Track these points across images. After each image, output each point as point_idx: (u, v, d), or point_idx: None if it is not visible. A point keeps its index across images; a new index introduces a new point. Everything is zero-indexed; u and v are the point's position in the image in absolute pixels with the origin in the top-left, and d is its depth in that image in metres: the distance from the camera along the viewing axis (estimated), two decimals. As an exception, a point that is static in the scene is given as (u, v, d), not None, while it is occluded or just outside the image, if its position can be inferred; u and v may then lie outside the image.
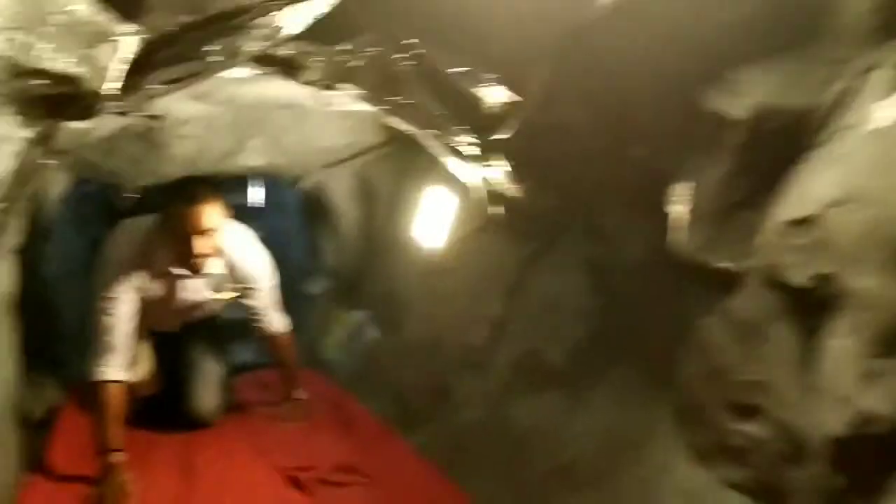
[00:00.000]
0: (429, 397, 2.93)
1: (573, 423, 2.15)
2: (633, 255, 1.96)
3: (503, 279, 2.60)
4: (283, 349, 3.05)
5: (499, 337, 2.56)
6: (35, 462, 2.68)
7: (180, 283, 2.76)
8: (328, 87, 2.34)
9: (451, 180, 3.00)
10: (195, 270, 2.61)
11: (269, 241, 3.01)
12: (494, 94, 1.69)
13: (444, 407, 2.78)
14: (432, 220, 3.16)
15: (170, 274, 2.69)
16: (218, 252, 2.65)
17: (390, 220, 3.77)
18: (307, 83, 2.30)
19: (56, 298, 4.04)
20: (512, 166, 2.05)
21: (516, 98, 1.67)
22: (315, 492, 2.37)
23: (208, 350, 3.16)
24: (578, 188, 2.01)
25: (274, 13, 1.45)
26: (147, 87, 1.68)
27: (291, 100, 3.22)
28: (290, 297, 5.07)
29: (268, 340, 3.04)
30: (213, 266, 2.72)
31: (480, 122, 1.84)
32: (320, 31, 1.77)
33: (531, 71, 1.52)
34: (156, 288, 2.70)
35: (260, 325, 2.98)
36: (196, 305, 2.94)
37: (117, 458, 2.39)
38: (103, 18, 1.21)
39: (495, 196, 2.37)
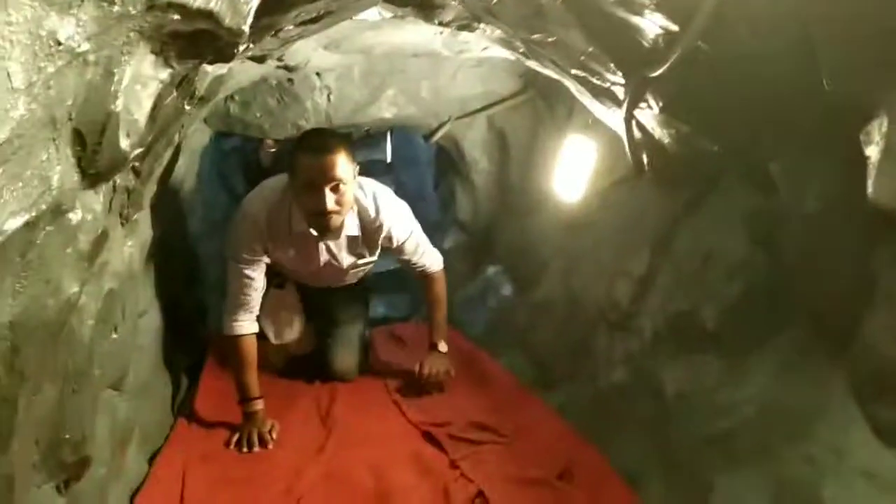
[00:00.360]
0: (567, 357, 2.80)
1: (729, 390, 1.96)
2: (804, 204, 1.74)
3: (650, 232, 2.42)
4: (433, 290, 2.95)
5: (645, 295, 2.39)
6: (183, 407, 2.79)
7: (318, 246, 2.67)
8: (465, 28, 2.22)
9: (593, 127, 2.82)
10: (328, 228, 2.47)
11: (399, 195, 2.94)
12: (652, 24, 1.50)
13: (584, 367, 2.65)
14: (572, 171, 2.99)
15: (306, 236, 2.59)
16: (351, 207, 2.53)
17: (526, 172, 3.63)
18: (442, 24, 2.18)
19: (199, 250, 4.20)
20: (665, 107, 1.86)
21: (676, 28, 1.48)
22: (449, 447, 2.32)
23: (352, 308, 3.17)
24: (742, 130, 1.80)
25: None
26: (282, 27, 1.62)
27: (425, 48, 3.13)
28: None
29: (424, 282, 2.96)
30: (349, 225, 2.62)
31: (634, 57, 1.66)
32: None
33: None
34: (291, 250, 2.66)
35: (417, 269, 2.90)
36: (339, 270, 2.83)
37: (256, 405, 2.51)
38: (238, -53, 1.13)
39: (644, 142, 2.18)
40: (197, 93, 1.62)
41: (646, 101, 1.87)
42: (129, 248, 1.96)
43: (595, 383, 2.52)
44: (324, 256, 2.73)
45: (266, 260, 2.61)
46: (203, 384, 2.97)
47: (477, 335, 3.53)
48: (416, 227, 2.79)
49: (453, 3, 1.95)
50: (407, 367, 3.00)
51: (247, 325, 2.57)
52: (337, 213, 2.39)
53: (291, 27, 1.63)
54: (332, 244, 2.69)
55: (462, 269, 4.04)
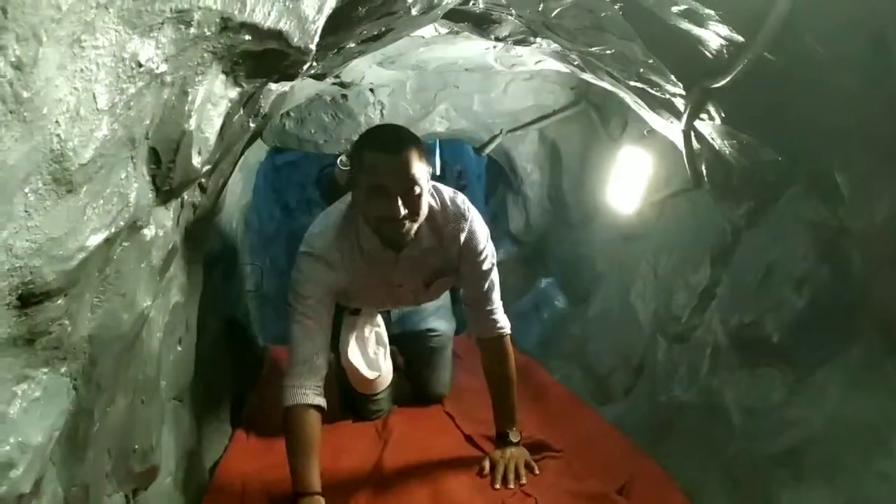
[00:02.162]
0: (624, 371, 2.77)
1: (797, 404, 1.91)
2: (874, 214, 1.69)
3: (710, 244, 2.38)
4: (500, 363, 2.34)
5: (705, 307, 2.35)
6: (241, 418, 2.83)
7: (393, 263, 2.21)
8: (520, 43, 2.23)
9: (648, 138, 2.79)
10: (402, 238, 2.03)
11: None
12: (716, 35, 1.49)
13: (642, 381, 2.61)
14: (626, 182, 2.97)
15: (378, 253, 2.16)
16: (424, 218, 2.07)
17: (579, 183, 3.61)
18: (498, 39, 2.19)
19: (256, 262, 4.28)
20: (727, 118, 1.83)
21: (741, 39, 1.46)
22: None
23: (440, 322, 2.97)
24: (808, 139, 1.76)
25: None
26: (344, 45, 1.65)
27: (477, 62, 3.15)
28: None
29: (480, 347, 2.36)
30: (425, 235, 2.16)
31: (696, 68, 1.64)
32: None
33: (766, 3, 1.31)
34: (363, 274, 2.20)
35: (473, 322, 2.35)
36: (418, 289, 2.38)
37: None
38: (307, -32, 1.16)
39: (703, 153, 2.15)
40: (261, 110, 1.66)
41: (707, 111, 1.84)
42: (194, 261, 2.00)
43: (654, 398, 2.48)
44: (400, 274, 2.28)
45: (331, 302, 2.16)
46: (260, 395, 3.02)
47: (530, 348, 3.52)
48: (492, 251, 2.31)
49: (510, 17, 1.95)
50: (461, 380, 3.01)
51: (312, 394, 2.02)
52: (411, 219, 1.96)
53: (353, 45, 1.66)
54: (407, 259, 2.21)
55: (515, 281, 4.04)
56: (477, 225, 2.22)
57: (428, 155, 2.01)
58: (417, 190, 1.92)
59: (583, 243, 3.48)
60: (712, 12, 1.38)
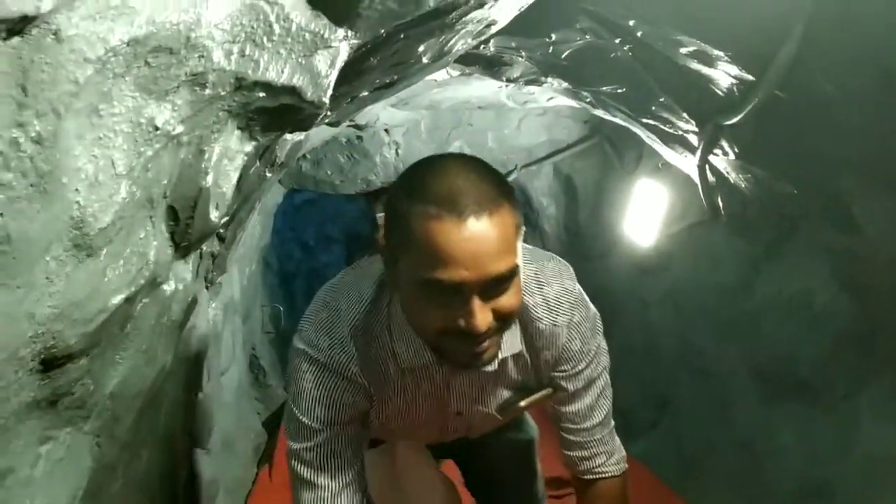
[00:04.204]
0: (646, 405, 2.74)
1: (823, 438, 1.89)
2: (892, 244, 1.68)
3: (730, 276, 2.37)
4: None
5: (727, 340, 2.33)
6: (264, 459, 2.84)
7: (448, 384, 1.35)
8: (532, 83, 2.25)
9: (663, 171, 2.80)
10: (478, 362, 1.14)
11: None
12: (726, 75, 1.49)
13: (664, 415, 2.59)
14: (642, 215, 2.96)
15: (423, 371, 1.32)
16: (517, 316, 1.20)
17: (595, 216, 3.61)
18: (510, 80, 2.21)
19: (274, 302, 4.31)
20: (741, 153, 1.83)
21: (751, 77, 1.47)
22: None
23: (515, 465, 1.92)
24: (823, 171, 1.76)
25: (488, 5, 1.36)
26: (357, 94, 1.67)
27: (490, 101, 3.18)
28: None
29: (577, 489, 1.53)
30: (507, 344, 1.28)
31: (708, 106, 1.65)
32: (526, 24, 1.67)
33: (774, 43, 1.32)
34: (396, 398, 1.35)
35: (569, 451, 1.47)
36: (483, 416, 1.44)
37: None
38: (319, 25, 1.18)
39: (719, 186, 2.14)
40: (277, 160, 1.68)
41: (720, 147, 1.84)
42: (213, 310, 2.02)
43: (679, 433, 2.46)
44: (459, 399, 1.40)
45: (353, 432, 1.32)
46: (282, 436, 3.02)
47: (551, 383, 3.49)
48: (604, 347, 1.42)
49: (520, 59, 1.97)
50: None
51: None
52: (496, 331, 1.10)
53: (366, 93, 1.68)
54: (473, 375, 1.35)
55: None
56: (587, 312, 1.36)
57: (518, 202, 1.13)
58: (508, 284, 1.07)
59: (601, 276, 3.46)
60: (721, 53, 1.38)
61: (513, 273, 1.07)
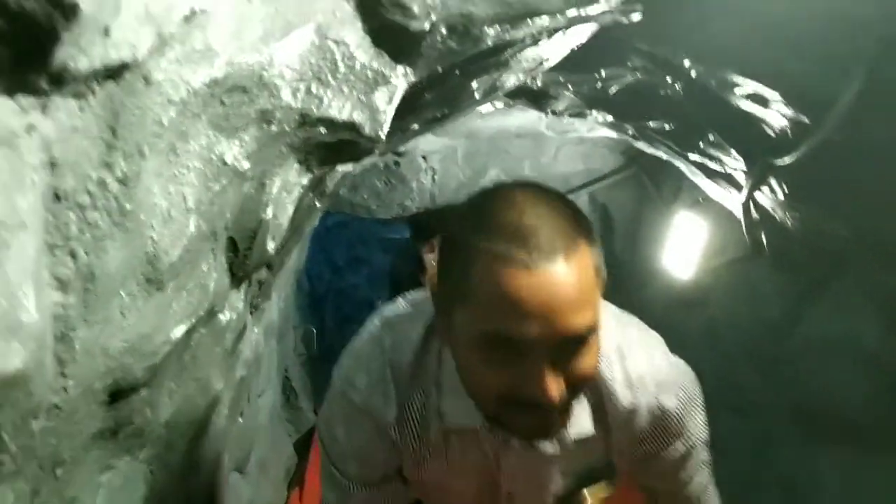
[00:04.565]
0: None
1: (870, 484, 1.85)
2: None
3: (772, 313, 2.34)
4: None
5: (769, 379, 2.30)
6: (295, 481, 2.84)
7: (491, 464, 1.16)
8: (576, 116, 2.25)
9: (704, 204, 2.78)
10: (544, 433, 0.97)
11: None
12: (780, 116, 1.49)
13: (704, 454, 2.55)
14: (681, 248, 2.94)
15: (469, 439, 1.13)
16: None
17: (631, 247, 3.60)
18: (554, 113, 2.22)
19: (305, 324, 4.33)
20: (790, 193, 1.82)
21: (807, 120, 1.46)
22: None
23: None
24: (875, 214, 1.74)
25: (541, 44, 1.37)
26: (408, 127, 1.69)
27: (528, 128, 3.19)
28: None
29: None
30: (578, 416, 1.09)
31: (759, 145, 1.64)
32: (576, 60, 1.68)
33: (833, 87, 1.31)
34: (438, 462, 1.15)
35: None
36: (540, 496, 1.24)
37: None
38: (381, 63, 1.20)
39: (763, 223, 2.13)
40: (327, 190, 1.70)
41: (769, 185, 1.83)
42: (256, 335, 2.04)
43: (718, 473, 2.41)
44: (513, 477, 1.18)
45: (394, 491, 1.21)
46: (314, 458, 3.02)
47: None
48: (701, 435, 1.20)
49: (567, 93, 1.98)
50: None
51: None
52: (568, 397, 0.91)
53: (416, 126, 1.70)
54: (531, 453, 1.14)
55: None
56: (682, 394, 1.14)
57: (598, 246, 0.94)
58: (585, 344, 0.89)
59: (637, 307, 3.42)
60: (777, 95, 1.38)
61: (592, 331, 0.88)
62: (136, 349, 0.93)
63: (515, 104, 2.23)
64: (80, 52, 0.58)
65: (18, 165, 0.59)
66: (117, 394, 0.95)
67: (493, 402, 0.91)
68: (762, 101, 1.46)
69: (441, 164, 3.62)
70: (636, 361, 1.11)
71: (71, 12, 0.51)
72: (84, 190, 0.72)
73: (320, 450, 1.20)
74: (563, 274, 0.83)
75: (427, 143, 3.27)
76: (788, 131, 1.51)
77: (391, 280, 3.63)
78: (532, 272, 0.83)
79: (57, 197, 0.69)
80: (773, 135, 1.57)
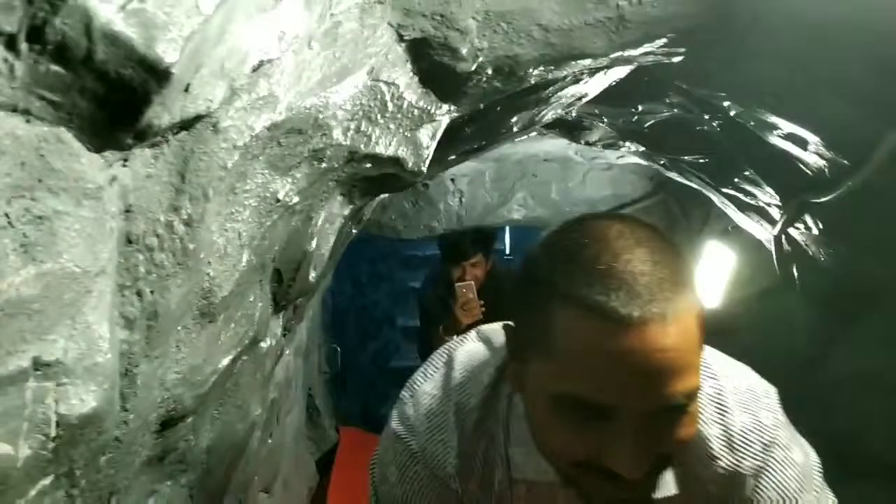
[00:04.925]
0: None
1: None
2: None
3: (802, 346, 2.33)
4: None
5: (797, 413, 2.28)
6: (316, 500, 2.86)
7: None
8: (609, 147, 2.27)
9: (733, 234, 2.78)
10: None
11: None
12: (819, 157, 1.50)
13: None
14: (708, 277, 2.94)
15: (542, 490, 0.96)
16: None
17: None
18: (588, 143, 2.24)
19: (328, 341, 4.35)
20: (825, 229, 1.82)
21: (846, 162, 1.47)
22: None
23: None
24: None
25: (584, 80, 1.39)
26: (446, 158, 1.71)
27: (556, 153, 3.21)
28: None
29: None
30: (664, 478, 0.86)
31: (796, 182, 1.65)
32: (613, 95, 1.70)
33: (875, 131, 1.32)
34: None
35: None
36: None
37: None
38: (427, 102, 1.22)
39: (795, 256, 2.13)
40: (364, 218, 1.73)
41: (803, 221, 1.84)
42: (288, 356, 2.06)
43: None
44: None
45: None
46: (335, 476, 3.03)
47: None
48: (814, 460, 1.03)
49: (601, 125, 2.00)
50: None
51: None
52: (658, 469, 0.78)
53: (454, 157, 1.73)
54: None
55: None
56: (794, 459, 0.97)
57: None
58: (682, 414, 0.75)
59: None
60: (817, 139, 1.39)
61: (692, 397, 0.73)
62: (187, 380, 0.96)
63: (548, 133, 2.25)
64: (164, 111, 0.61)
65: (101, 215, 0.62)
66: (167, 423, 0.97)
67: (568, 466, 0.78)
68: (801, 143, 1.47)
69: (469, 186, 3.65)
70: (739, 416, 0.93)
71: (164, 78, 0.54)
72: (153, 233, 0.75)
73: (370, 487, 1.09)
74: (665, 332, 0.68)
75: (456, 167, 3.30)
76: (826, 171, 1.52)
77: (420, 307, 3.62)
78: (627, 328, 0.68)
79: (129, 241, 0.71)
80: (809, 173, 1.58)
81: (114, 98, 0.54)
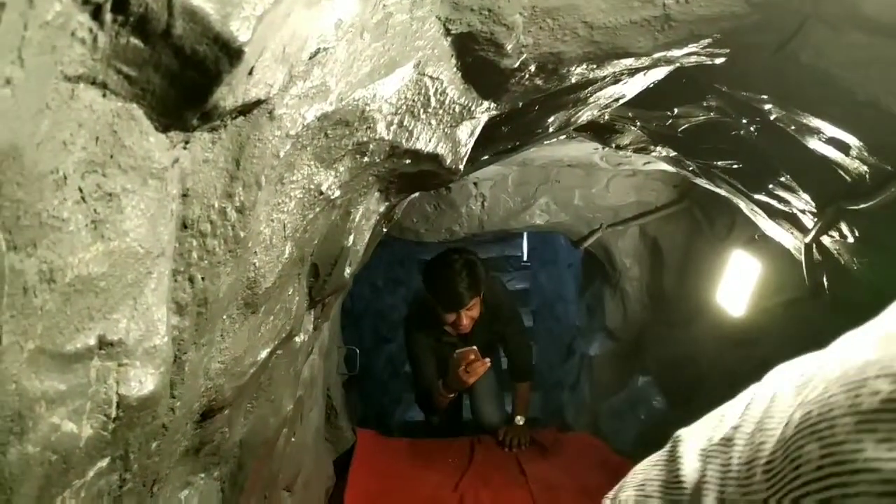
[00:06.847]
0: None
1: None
2: None
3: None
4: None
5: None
6: (334, 500, 2.84)
7: None
8: (640, 151, 2.25)
9: (759, 242, 2.75)
10: None
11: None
12: (860, 162, 1.47)
13: (753, 497, 2.50)
14: (733, 285, 2.91)
15: None
16: None
17: (681, 282, 3.56)
18: (619, 147, 2.22)
19: (350, 345, 4.34)
20: (861, 237, 1.79)
21: (889, 167, 1.44)
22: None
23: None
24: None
25: (623, 81, 1.38)
26: (480, 157, 1.71)
27: (580, 159, 3.19)
28: (563, 353, 5.06)
29: None
30: None
31: (833, 189, 1.63)
32: (648, 97, 1.68)
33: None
34: None
35: None
36: None
37: None
38: (469, 98, 1.22)
39: (824, 264, 2.10)
40: (395, 216, 1.72)
41: (838, 229, 1.81)
42: (313, 355, 2.05)
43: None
44: None
45: None
46: (352, 477, 3.02)
47: (627, 448, 3.41)
48: None
49: (633, 128, 1.98)
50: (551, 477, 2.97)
51: None
52: None
53: (487, 157, 1.72)
54: None
55: (608, 376, 3.97)
56: None
57: None
58: None
59: (685, 343, 3.40)
60: (861, 144, 1.37)
61: None
62: (228, 370, 0.95)
63: (577, 136, 2.23)
64: (230, 92, 0.60)
65: (164, 197, 0.61)
66: (206, 413, 0.97)
67: None
68: (843, 147, 1.45)
69: (491, 190, 3.63)
70: None
71: (236, 56, 0.54)
72: (207, 218, 0.74)
73: None
74: None
75: (479, 170, 3.28)
76: (867, 177, 1.50)
77: (408, 348, 3.67)
78: None
79: (184, 225, 0.71)
80: (849, 179, 1.55)
81: (187, 75, 0.53)
